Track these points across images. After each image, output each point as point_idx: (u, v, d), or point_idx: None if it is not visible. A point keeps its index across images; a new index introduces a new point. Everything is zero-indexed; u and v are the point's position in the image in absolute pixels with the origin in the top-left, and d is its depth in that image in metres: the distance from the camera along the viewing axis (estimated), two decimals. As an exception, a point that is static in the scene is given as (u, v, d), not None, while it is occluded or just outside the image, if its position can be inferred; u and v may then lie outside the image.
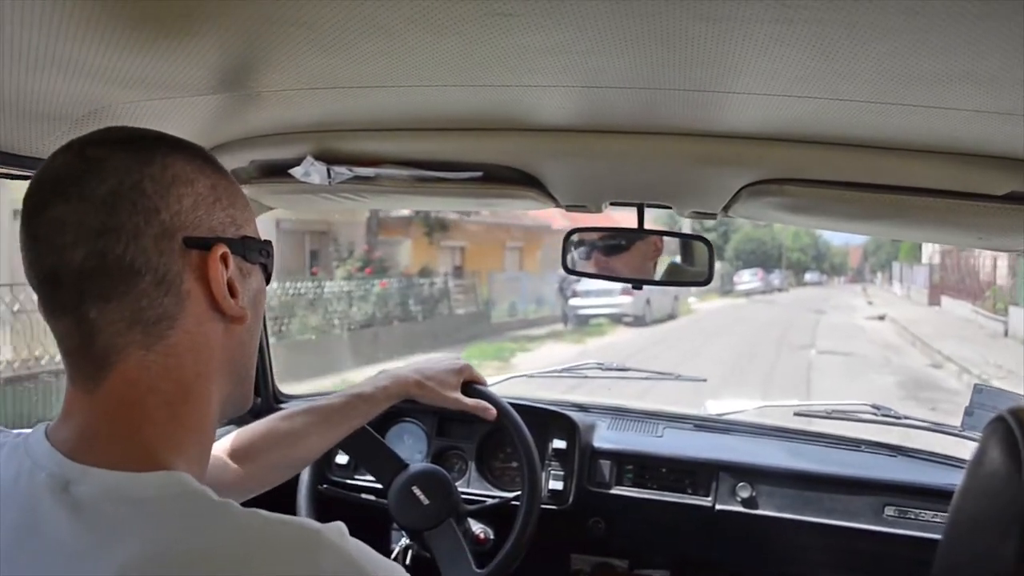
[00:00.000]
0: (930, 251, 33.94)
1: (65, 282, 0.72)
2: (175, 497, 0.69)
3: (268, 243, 0.86)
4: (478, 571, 1.65)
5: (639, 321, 20.56)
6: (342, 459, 1.98)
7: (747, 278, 41.83)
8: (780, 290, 39.23)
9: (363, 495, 1.87)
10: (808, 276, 60.26)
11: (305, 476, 1.78)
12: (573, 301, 20.85)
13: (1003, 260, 21.12)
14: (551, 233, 23.65)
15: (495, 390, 1.83)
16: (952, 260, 27.67)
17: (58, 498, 0.69)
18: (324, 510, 1.77)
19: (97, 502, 0.68)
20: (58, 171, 0.74)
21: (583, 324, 20.25)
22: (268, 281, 0.88)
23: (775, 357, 15.05)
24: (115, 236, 0.71)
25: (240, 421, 2.03)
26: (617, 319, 20.50)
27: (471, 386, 1.64)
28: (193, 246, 0.75)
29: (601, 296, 19.86)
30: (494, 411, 1.63)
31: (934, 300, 29.05)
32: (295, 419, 1.42)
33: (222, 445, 1.36)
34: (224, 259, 0.77)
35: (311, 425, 1.42)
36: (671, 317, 23.11)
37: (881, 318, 24.32)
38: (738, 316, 26.13)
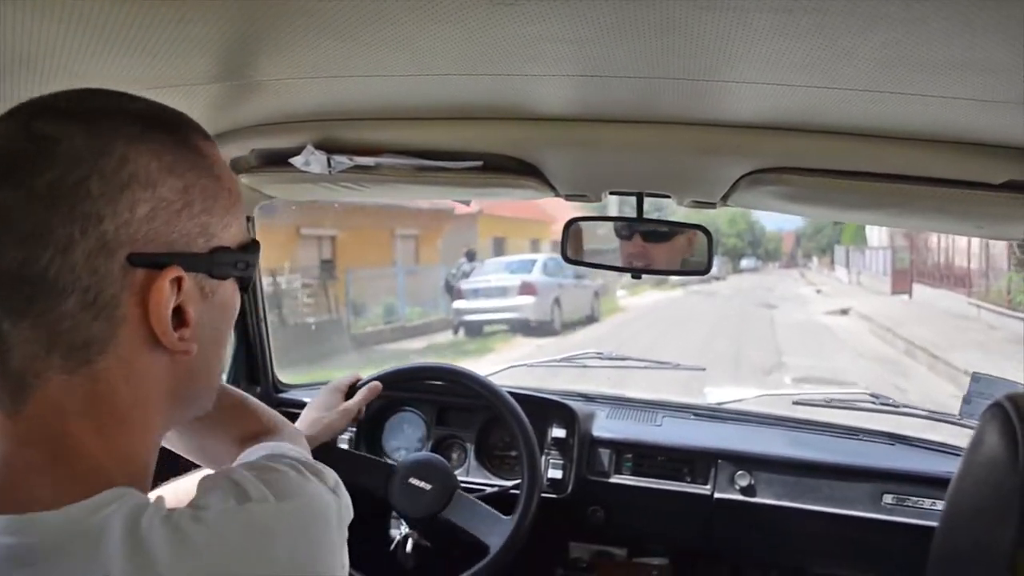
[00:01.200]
0: (879, 233, 30.67)
1: None
2: (123, 513, 0.61)
3: (249, 249, 0.74)
4: (506, 517, 1.70)
5: (545, 328, 15.31)
6: (342, 447, 1.99)
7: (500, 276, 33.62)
8: (718, 278, 35.32)
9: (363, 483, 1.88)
10: (744, 263, 55.08)
11: None
12: (458, 304, 15.90)
13: (978, 243, 17.36)
14: (454, 219, 20.52)
15: (494, 379, 1.84)
16: (920, 241, 24.09)
17: (22, 570, 0.59)
18: None
19: (47, 552, 0.59)
20: None
21: (476, 333, 15.23)
22: (245, 289, 0.77)
23: (737, 391, 7.82)
24: (41, 244, 0.60)
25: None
26: (520, 326, 15.29)
27: (352, 387, 1.71)
28: (140, 265, 0.63)
29: (493, 297, 15.40)
30: (378, 385, 1.69)
31: (900, 287, 24.75)
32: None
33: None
34: (177, 282, 0.65)
35: None
36: (590, 320, 17.67)
37: (844, 312, 20.53)
38: (675, 316, 20.05)
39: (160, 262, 0.64)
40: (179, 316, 0.67)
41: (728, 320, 18.83)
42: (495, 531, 1.68)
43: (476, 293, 15.81)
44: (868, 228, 31.70)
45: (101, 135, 0.63)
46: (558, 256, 1.96)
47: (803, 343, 14.63)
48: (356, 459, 1.78)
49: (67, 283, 0.61)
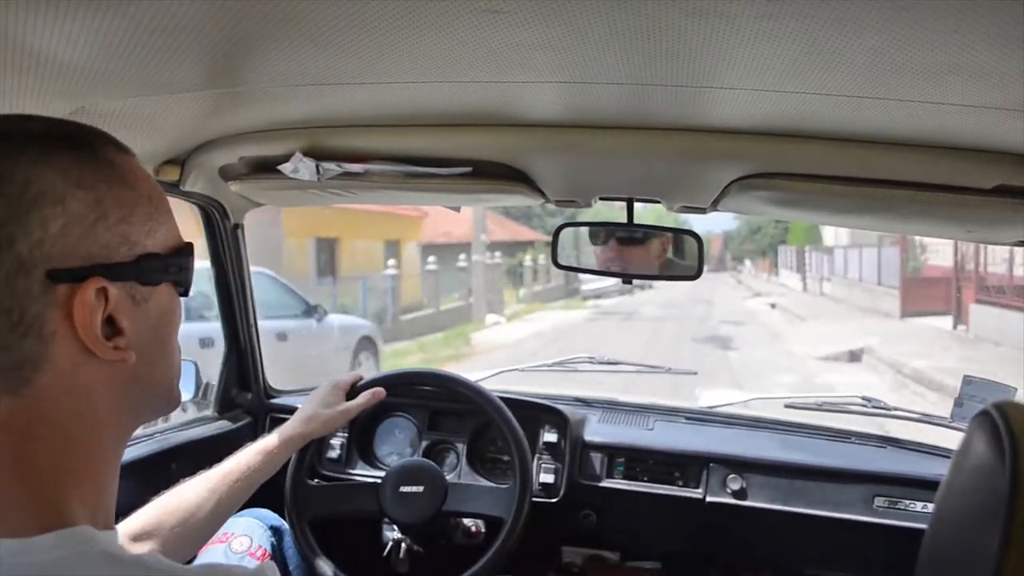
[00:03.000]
0: (836, 233, 26.20)
1: None
2: (73, 560, 0.61)
3: (182, 252, 0.74)
4: (504, 485, 1.74)
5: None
6: (333, 453, 1.98)
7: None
8: (641, 288, 29.43)
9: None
10: (667, 267, 51.98)
11: (291, 471, 1.78)
12: None
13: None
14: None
15: (485, 384, 1.84)
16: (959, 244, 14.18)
17: None
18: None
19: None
20: None
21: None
22: (186, 292, 0.76)
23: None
24: None
25: (234, 418, 2.05)
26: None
27: (355, 387, 1.71)
28: (60, 280, 0.63)
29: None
30: (381, 391, 1.68)
31: (923, 306, 16.97)
32: (185, 493, 1.34)
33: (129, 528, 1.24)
34: (103, 293, 0.65)
35: (208, 494, 1.36)
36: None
37: (855, 359, 12.24)
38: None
39: (80, 275, 0.64)
40: (112, 325, 0.67)
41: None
42: (502, 501, 1.71)
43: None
44: (825, 228, 28.62)
45: (1, 160, 0.62)
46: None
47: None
48: (341, 489, 1.78)
49: None
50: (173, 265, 0.72)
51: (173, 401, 0.77)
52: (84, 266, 0.64)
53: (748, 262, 54.20)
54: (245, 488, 1.42)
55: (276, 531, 1.68)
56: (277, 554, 1.65)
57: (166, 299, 0.73)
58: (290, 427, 1.55)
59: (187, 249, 0.75)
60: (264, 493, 1.52)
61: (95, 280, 0.64)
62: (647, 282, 22.87)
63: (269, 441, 1.49)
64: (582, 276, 19.01)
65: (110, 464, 0.71)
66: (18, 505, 0.63)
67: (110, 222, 0.66)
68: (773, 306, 23.60)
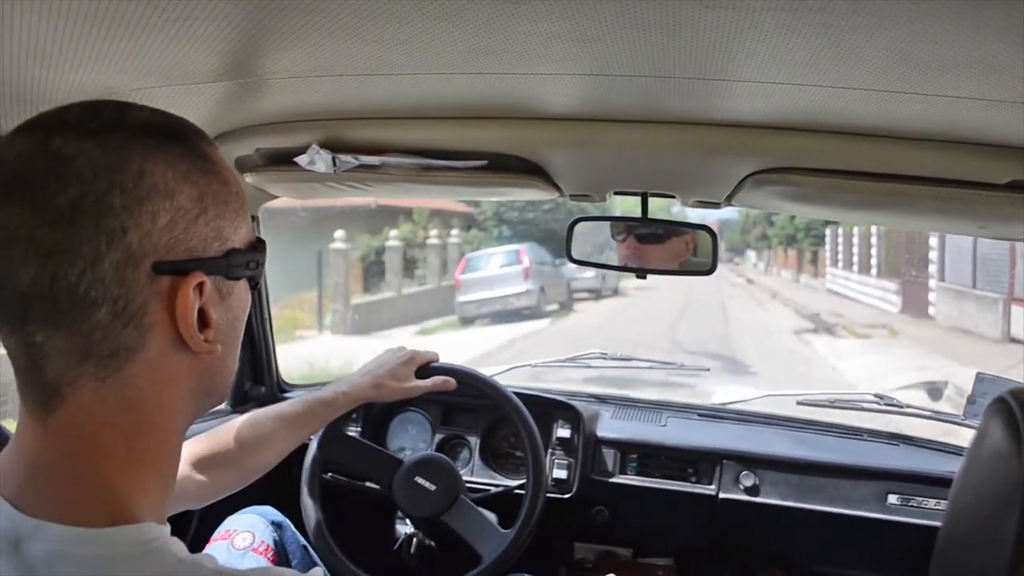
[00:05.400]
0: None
1: (10, 299, 0.63)
2: (139, 558, 0.63)
3: (258, 248, 0.77)
4: (505, 531, 1.68)
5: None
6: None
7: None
8: (615, 291, 20.58)
9: (368, 483, 1.88)
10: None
11: (307, 466, 1.79)
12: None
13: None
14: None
15: (499, 379, 1.84)
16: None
17: (10, 560, 0.62)
18: (328, 499, 1.78)
19: (53, 565, 0.62)
20: (14, 166, 0.63)
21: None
22: (255, 287, 0.79)
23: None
24: (69, 259, 0.62)
25: (247, 411, 2.06)
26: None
27: (427, 367, 1.68)
28: (164, 272, 0.66)
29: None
30: (453, 381, 1.67)
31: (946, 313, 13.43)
32: (260, 425, 1.43)
33: (185, 454, 1.28)
34: (200, 287, 0.68)
35: (276, 431, 1.44)
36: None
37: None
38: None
39: (183, 268, 0.67)
40: (202, 318, 0.69)
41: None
42: (491, 543, 1.67)
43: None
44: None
45: (118, 149, 0.64)
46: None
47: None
48: (366, 449, 1.77)
49: (97, 295, 0.63)
50: (252, 260, 0.75)
51: (227, 394, 0.80)
52: (185, 260, 0.67)
53: (752, 254, 44.60)
54: (304, 433, 1.50)
55: (278, 526, 1.70)
56: (279, 549, 1.66)
57: (243, 294, 0.77)
58: (357, 388, 1.56)
59: (262, 245, 0.78)
60: (265, 489, 1.53)
61: (197, 274, 0.68)
62: (616, 285, 20.21)
63: (325, 394, 1.53)
64: (575, 274, 17.88)
65: (175, 454, 0.74)
66: (87, 493, 0.65)
67: (208, 217, 0.69)
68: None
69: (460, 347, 11.07)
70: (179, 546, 0.66)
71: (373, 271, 17.02)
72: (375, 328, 14.53)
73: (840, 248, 24.72)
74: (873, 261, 20.43)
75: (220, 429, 1.42)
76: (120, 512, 0.65)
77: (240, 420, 1.43)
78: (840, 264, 24.78)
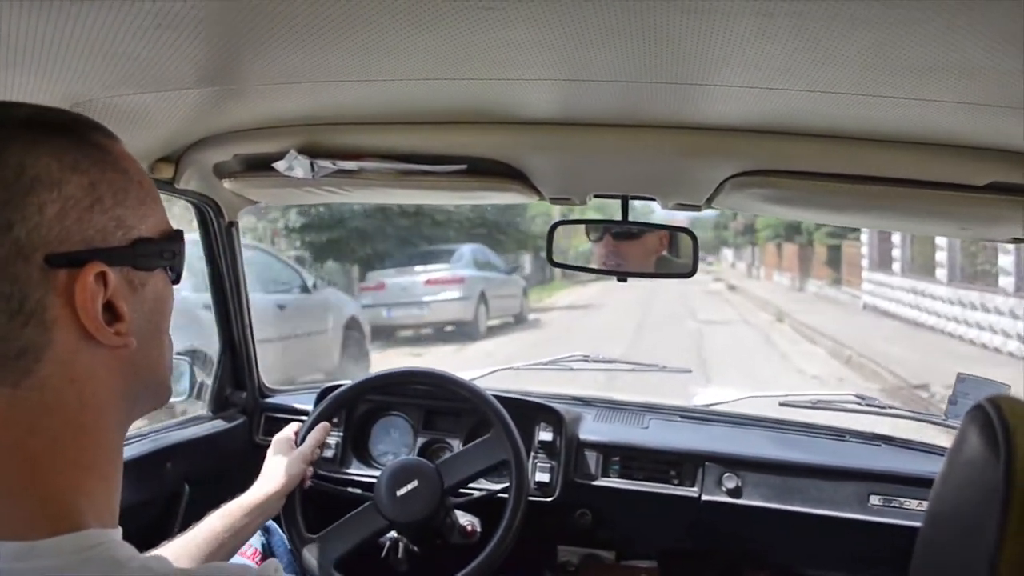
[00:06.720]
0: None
1: None
2: (79, 566, 0.60)
3: (173, 238, 0.73)
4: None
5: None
6: (328, 453, 1.98)
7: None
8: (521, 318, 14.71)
9: (350, 489, 1.87)
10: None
11: (288, 535, 1.79)
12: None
13: None
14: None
15: (480, 382, 1.84)
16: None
17: None
18: (311, 505, 1.77)
19: None
20: None
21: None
22: (177, 280, 0.75)
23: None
24: None
25: (228, 417, 2.05)
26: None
27: (296, 435, 1.76)
28: (58, 265, 0.62)
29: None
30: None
31: None
32: (231, 517, 1.48)
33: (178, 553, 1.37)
34: (102, 277, 0.64)
35: (246, 520, 1.50)
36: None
37: None
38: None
39: (79, 259, 0.63)
40: (111, 311, 0.66)
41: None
42: (495, 448, 1.76)
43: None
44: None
45: None
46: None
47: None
48: (344, 524, 1.77)
49: None
50: (167, 250, 0.71)
51: (164, 393, 0.76)
52: (82, 250, 0.63)
53: (729, 252, 39.36)
54: (233, 548, 1.51)
55: (265, 530, 1.69)
56: (267, 554, 1.66)
57: (161, 286, 0.72)
58: (259, 490, 1.59)
59: (178, 235, 0.74)
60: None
61: (94, 264, 0.64)
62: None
63: (245, 503, 1.54)
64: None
65: (113, 455, 0.70)
66: (23, 505, 0.62)
67: (105, 206, 0.66)
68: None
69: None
70: (127, 550, 0.63)
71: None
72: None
73: (899, 247, 15.15)
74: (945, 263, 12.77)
75: (195, 532, 1.44)
76: (62, 521, 0.62)
77: (211, 517, 1.47)
78: (898, 267, 15.31)
